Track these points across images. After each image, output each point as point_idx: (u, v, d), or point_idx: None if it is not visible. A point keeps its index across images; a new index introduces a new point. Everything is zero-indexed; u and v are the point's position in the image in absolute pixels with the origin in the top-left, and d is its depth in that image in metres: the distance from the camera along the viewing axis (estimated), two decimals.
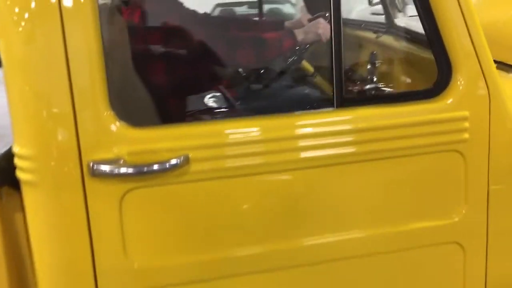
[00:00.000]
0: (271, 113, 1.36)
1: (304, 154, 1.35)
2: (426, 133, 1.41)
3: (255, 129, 1.33)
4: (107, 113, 1.22)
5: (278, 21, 2.45)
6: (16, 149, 1.22)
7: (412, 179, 1.45)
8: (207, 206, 1.32)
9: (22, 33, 1.16)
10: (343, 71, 1.35)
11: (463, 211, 1.48)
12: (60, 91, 1.18)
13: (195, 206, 1.31)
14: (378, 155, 1.39)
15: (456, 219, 1.48)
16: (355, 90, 1.63)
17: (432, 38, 1.40)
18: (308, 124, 1.36)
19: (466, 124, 1.42)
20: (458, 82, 1.40)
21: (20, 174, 1.24)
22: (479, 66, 1.41)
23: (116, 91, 1.26)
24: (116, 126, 1.23)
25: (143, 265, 1.30)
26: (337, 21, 1.33)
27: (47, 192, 1.22)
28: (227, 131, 1.31)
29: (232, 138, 1.31)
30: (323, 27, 1.93)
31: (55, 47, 1.16)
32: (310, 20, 2.25)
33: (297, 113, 1.38)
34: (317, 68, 2.14)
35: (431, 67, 1.44)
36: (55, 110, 1.19)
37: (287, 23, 2.32)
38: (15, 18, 1.15)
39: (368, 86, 1.58)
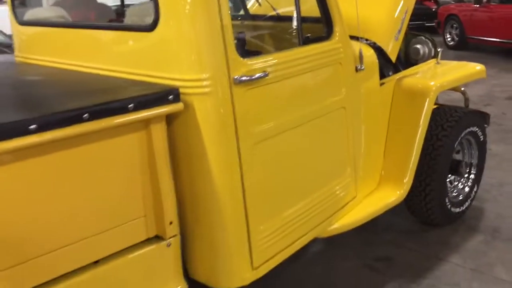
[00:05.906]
0: None
1: None
2: (329, 55, 2.77)
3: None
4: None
5: None
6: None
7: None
8: None
9: None
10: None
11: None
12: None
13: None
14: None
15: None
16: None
17: (324, 10, 2.72)
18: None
19: (342, 49, 2.81)
20: (337, 29, 2.78)
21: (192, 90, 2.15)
22: (341, 20, 2.78)
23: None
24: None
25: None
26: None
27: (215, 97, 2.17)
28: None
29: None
30: None
31: None
32: None
33: None
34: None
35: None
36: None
37: None
38: None
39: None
